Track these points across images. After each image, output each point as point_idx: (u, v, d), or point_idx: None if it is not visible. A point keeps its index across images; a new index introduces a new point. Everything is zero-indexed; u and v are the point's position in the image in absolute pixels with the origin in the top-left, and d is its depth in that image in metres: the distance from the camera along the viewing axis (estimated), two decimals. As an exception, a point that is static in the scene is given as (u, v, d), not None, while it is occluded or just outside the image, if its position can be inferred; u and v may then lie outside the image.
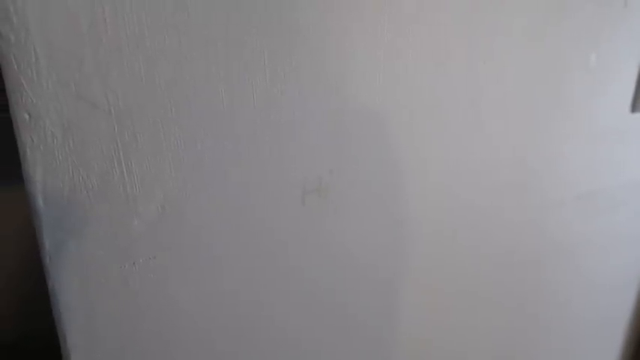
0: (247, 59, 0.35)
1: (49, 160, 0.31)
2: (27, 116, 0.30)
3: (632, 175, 0.63)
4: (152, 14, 0.31)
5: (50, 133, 0.31)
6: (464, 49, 0.44)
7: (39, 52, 0.29)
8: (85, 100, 0.31)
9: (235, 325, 0.43)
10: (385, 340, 0.53)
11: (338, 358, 0.51)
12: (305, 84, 0.38)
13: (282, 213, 0.41)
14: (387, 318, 0.52)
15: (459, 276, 0.55)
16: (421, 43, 0.41)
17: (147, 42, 0.31)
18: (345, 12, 0.37)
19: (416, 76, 0.42)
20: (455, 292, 0.55)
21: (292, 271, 0.44)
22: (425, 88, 0.43)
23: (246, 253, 0.40)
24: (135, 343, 0.38)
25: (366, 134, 0.42)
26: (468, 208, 0.51)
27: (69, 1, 0.29)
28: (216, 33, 0.34)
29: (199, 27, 0.33)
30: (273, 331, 0.45)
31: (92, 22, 0.30)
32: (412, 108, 0.43)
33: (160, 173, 0.35)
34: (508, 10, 0.45)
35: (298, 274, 0.44)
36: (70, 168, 0.32)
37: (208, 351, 0.42)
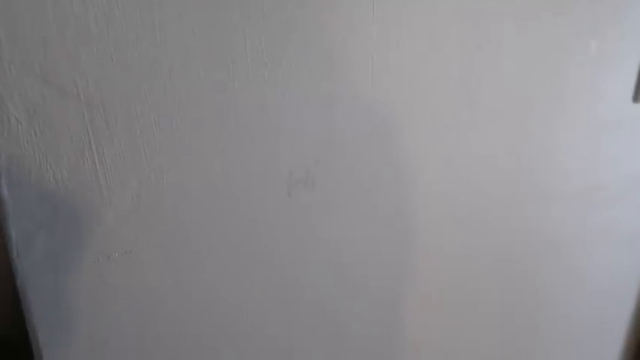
0: (228, 43, 0.33)
1: (13, 147, 0.29)
2: (-12, 100, 0.28)
3: (634, 167, 0.61)
4: (122, -8, 0.29)
5: (14, 118, 0.29)
6: (458, 35, 0.42)
7: (1, 34, 0.27)
8: (51, 85, 0.29)
9: (215, 322, 0.41)
10: (375, 339, 0.52)
11: (323, 358, 0.49)
12: (290, 70, 0.36)
13: (266, 204, 0.39)
14: (376, 315, 0.50)
15: (453, 273, 0.53)
16: (413, 29, 0.40)
17: (117, 20, 0.30)
18: (331, -6, 0.36)
19: (408, 64, 0.41)
20: (449, 290, 0.54)
21: (276, 266, 0.42)
22: (417, 76, 0.41)
23: (227, 247, 0.39)
24: (111, 339, 0.37)
25: (355, 123, 0.40)
26: (462, 201, 0.50)
27: (32, -23, 0.27)
28: (194, 13, 0.32)
29: (175, 7, 0.31)
30: (254, 330, 0.44)
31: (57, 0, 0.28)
32: (404, 97, 0.42)
33: (135, 162, 0.33)
34: (504, -6, 0.43)
35: (282, 269, 0.42)
36: (37, 156, 0.30)
37: (188, 347, 0.41)
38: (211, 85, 0.34)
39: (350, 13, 0.37)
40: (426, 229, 0.49)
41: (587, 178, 0.57)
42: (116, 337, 0.37)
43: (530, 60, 0.47)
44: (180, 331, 0.40)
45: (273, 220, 0.40)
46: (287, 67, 0.36)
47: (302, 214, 0.41)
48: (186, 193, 0.36)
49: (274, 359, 0.46)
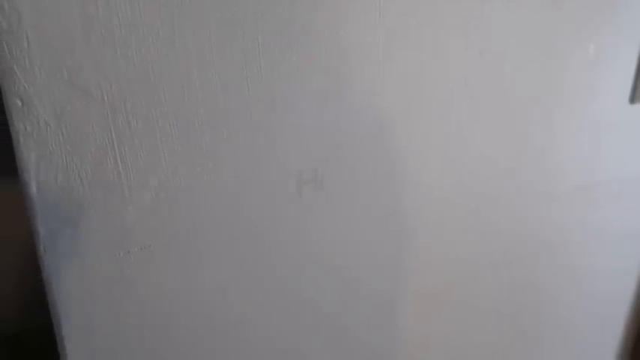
0: (241, 47, 0.35)
1: (42, 148, 0.31)
2: (19, 103, 0.30)
3: (632, 168, 0.63)
4: None
5: (43, 120, 0.31)
6: (460, 39, 0.43)
7: (31, 38, 0.29)
8: (77, 87, 0.31)
9: (224, 323, 0.42)
10: (381, 339, 0.53)
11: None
12: (301, 72, 0.38)
13: (279, 205, 0.41)
14: (382, 315, 0.52)
15: (454, 272, 0.55)
16: (419, 32, 0.41)
17: (140, 28, 0.31)
18: (341, 1, 0.37)
19: (413, 66, 0.42)
20: (449, 290, 0.55)
21: (288, 265, 0.43)
22: (422, 78, 0.43)
23: (239, 247, 0.40)
24: (129, 331, 0.38)
25: (362, 124, 0.42)
26: (465, 202, 0.51)
27: (61, -14, 0.29)
28: (210, 20, 0.33)
29: (193, 13, 0.33)
30: (264, 332, 0.45)
31: (84, 6, 0.29)
32: (410, 98, 0.43)
33: (154, 161, 0.35)
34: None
35: (295, 270, 0.44)
36: (63, 156, 0.32)
37: (200, 343, 0.42)
38: (226, 88, 0.36)
39: (357, 16, 0.38)
40: (430, 230, 0.50)
41: (586, 178, 0.59)
42: (133, 328, 0.39)
43: (530, 63, 0.48)
44: (191, 325, 0.42)
45: (286, 220, 0.41)
46: (298, 68, 0.38)
47: (312, 213, 0.42)
48: (202, 194, 0.37)
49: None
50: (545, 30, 0.48)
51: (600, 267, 0.67)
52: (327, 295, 0.47)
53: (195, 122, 0.35)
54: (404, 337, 0.55)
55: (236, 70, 0.35)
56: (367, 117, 0.42)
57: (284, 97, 0.38)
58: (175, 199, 0.37)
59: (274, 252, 0.42)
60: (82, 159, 0.32)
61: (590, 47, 0.52)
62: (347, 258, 0.46)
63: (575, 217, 0.60)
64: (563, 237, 0.61)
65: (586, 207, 0.60)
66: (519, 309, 0.63)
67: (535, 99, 0.50)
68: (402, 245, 0.49)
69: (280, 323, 0.46)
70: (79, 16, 0.30)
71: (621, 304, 0.74)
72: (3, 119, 0.30)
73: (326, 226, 0.44)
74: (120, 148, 0.33)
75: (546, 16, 0.47)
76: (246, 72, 0.36)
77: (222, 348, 0.44)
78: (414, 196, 0.47)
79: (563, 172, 0.56)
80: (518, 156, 0.52)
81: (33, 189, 0.31)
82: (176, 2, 0.32)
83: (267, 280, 0.43)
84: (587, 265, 0.66)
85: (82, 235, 0.34)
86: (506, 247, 0.57)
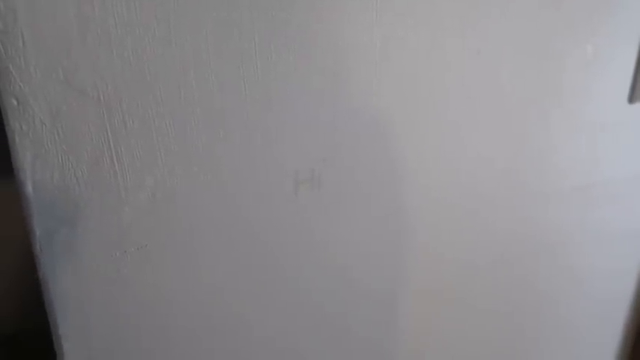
0: (238, 46, 0.35)
1: (37, 148, 0.31)
2: (15, 102, 0.30)
3: (629, 168, 0.63)
4: None
5: (39, 119, 0.31)
6: (458, 39, 0.43)
7: (26, 38, 0.29)
8: (73, 87, 0.31)
9: (221, 320, 0.42)
10: (380, 341, 0.53)
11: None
12: (298, 72, 0.38)
13: (274, 203, 0.41)
14: (381, 315, 0.52)
15: (452, 273, 0.55)
16: (416, 32, 0.41)
17: (136, 28, 0.31)
18: (338, 1, 0.37)
19: (410, 66, 0.42)
20: (448, 290, 0.55)
21: (285, 265, 0.43)
22: (419, 78, 0.43)
23: (236, 247, 0.40)
24: (126, 331, 0.38)
25: (359, 124, 0.42)
26: (463, 201, 0.51)
27: (56, -14, 0.29)
28: (207, 20, 0.33)
29: (189, 13, 0.33)
30: (263, 333, 0.45)
31: (80, 6, 0.29)
32: (407, 98, 0.43)
33: (151, 161, 0.35)
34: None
35: (292, 270, 0.44)
36: (59, 155, 0.32)
37: (198, 344, 0.42)
38: (222, 88, 0.36)
39: (354, 16, 0.38)
40: (427, 230, 0.50)
41: (583, 178, 0.59)
42: (130, 328, 0.39)
43: (527, 63, 0.48)
44: (189, 325, 0.42)
45: (283, 220, 0.41)
46: (295, 68, 0.38)
47: (309, 213, 0.42)
48: (198, 194, 0.37)
49: None
50: (543, 30, 0.48)
51: (599, 267, 0.67)
52: (325, 294, 0.47)
53: (192, 122, 0.35)
54: (403, 337, 0.55)
55: (232, 70, 0.36)
56: (364, 117, 0.42)
57: (280, 96, 0.38)
58: (172, 199, 0.37)
59: (271, 252, 0.42)
60: (78, 158, 0.32)
61: (588, 48, 0.52)
62: (344, 257, 0.46)
63: (573, 218, 0.60)
64: (561, 237, 0.61)
65: (584, 207, 0.60)
66: (518, 309, 0.63)
67: (533, 99, 0.50)
68: (399, 245, 0.49)
69: (278, 323, 0.46)
70: (75, 17, 0.30)
71: (620, 304, 0.74)
72: (-1, 119, 0.30)
73: (323, 226, 0.44)
74: (116, 148, 0.33)
75: (544, 16, 0.47)
76: (242, 72, 0.36)
77: (219, 348, 0.44)
78: (412, 196, 0.48)
79: (560, 172, 0.56)
80: (515, 156, 0.52)
81: (29, 188, 0.31)
82: (172, 2, 0.32)
83: (264, 280, 0.43)
84: (586, 266, 0.66)
85: (79, 235, 0.34)
86: (504, 248, 0.57)
